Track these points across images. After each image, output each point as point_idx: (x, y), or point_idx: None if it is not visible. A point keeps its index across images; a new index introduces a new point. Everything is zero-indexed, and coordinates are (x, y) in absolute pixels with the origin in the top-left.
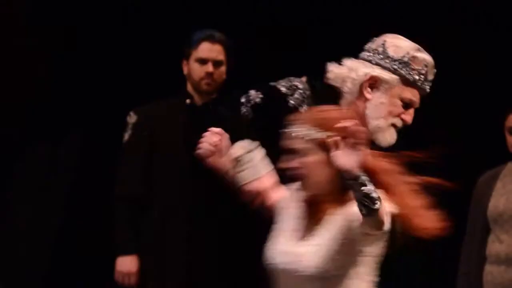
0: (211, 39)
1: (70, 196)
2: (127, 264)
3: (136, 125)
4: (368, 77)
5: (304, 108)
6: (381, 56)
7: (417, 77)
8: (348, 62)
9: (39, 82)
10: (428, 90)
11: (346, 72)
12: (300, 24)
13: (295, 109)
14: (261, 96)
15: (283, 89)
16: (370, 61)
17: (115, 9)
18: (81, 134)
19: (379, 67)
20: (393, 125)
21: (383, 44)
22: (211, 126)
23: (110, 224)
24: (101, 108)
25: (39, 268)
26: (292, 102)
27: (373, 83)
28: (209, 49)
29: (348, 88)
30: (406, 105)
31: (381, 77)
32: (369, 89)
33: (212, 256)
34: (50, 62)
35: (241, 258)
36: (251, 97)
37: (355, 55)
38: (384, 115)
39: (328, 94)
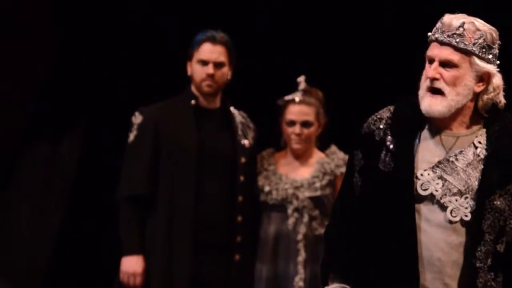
0: (212, 40)
1: (72, 196)
2: (132, 264)
3: (142, 125)
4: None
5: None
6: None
7: (430, 33)
8: None
9: (41, 82)
10: (443, 38)
11: None
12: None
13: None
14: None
15: (368, 129)
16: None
17: (119, 7)
18: (84, 134)
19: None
20: (426, 89)
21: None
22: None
23: (112, 225)
24: (105, 108)
25: (40, 268)
26: (378, 136)
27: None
28: (210, 51)
29: None
30: (430, 62)
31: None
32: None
33: (220, 256)
34: (53, 61)
35: (246, 258)
36: None
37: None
38: (422, 83)
39: (415, 106)
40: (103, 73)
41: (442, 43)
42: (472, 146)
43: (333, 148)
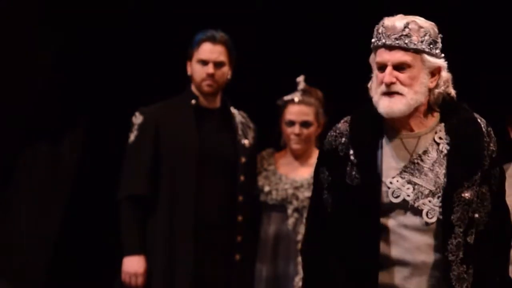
0: (212, 40)
1: (72, 196)
2: (134, 264)
3: (142, 125)
4: None
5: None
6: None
7: (374, 39)
8: None
9: (41, 82)
10: (385, 41)
11: None
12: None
13: (345, 156)
14: None
15: (331, 146)
16: None
17: (119, 7)
18: (84, 134)
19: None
20: (382, 94)
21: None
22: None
23: (113, 225)
24: (105, 108)
25: (41, 268)
26: (341, 151)
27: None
28: (210, 50)
29: None
30: (381, 68)
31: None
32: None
33: (220, 256)
34: (53, 61)
35: (247, 258)
36: None
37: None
38: (374, 89)
39: (371, 114)
40: (103, 73)
41: (391, 47)
42: (434, 143)
43: None
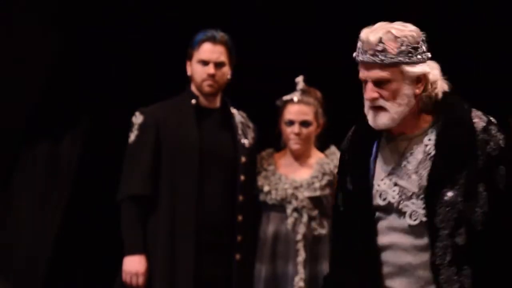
0: (213, 40)
1: (72, 196)
2: (135, 264)
3: (142, 125)
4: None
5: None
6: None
7: (354, 54)
8: None
9: (41, 82)
10: (367, 59)
11: None
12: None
13: (346, 161)
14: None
15: (342, 150)
16: None
17: (119, 7)
18: (84, 134)
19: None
20: (369, 107)
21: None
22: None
23: (113, 225)
24: (105, 108)
25: (41, 268)
26: (345, 156)
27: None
28: (210, 51)
29: None
30: (365, 82)
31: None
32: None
33: (220, 256)
34: (53, 61)
35: (247, 258)
36: None
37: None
38: (365, 101)
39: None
40: (103, 73)
41: (367, 64)
42: (422, 145)
43: (333, 148)
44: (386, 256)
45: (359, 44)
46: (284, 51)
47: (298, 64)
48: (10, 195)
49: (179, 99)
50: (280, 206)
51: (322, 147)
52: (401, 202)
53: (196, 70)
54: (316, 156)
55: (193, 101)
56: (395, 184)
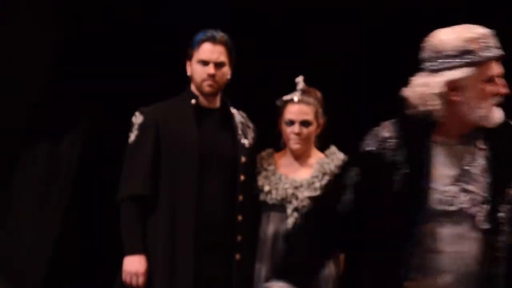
0: (213, 40)
1: (72, 196)
2: (135, 264)
3: (142, 125)
4: (445, 84)
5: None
6: (441, 60)
7: (482, 54)
8: (417, 81)
9: (41, 82)
10: (499, 53)
11: (421, 91)
12: (301, 24)
13: (392, 163)
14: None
15: (374, 149)
16: (435, 70)
17: (119, 7)
18: (84, 134)
19: (446, 70)
20: (493, 104)
21: (431, 48)
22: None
23: (113, 225)
24: (105, 108)
25: (41, 268)
26: (388, 158)
27: (453, 86)
28: (210, 51)
29: (432, 105)
30: (491, 80)
31: (456, 77)
32: (453, 93)
33: (220, 256)
34: (53, 61)
35: (247, 258)
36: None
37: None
38: (482, 103)
39: (418, 122)
40: (103, 73)
41: (499, 59)
42: (479, 149)
43: (333, 148)
44: (441, 261)
45: (482, 43)
46: (284, 51)
47: (298, 64)
48: (10, 195)
49: (179, 99)
50: (280, 206)
51: (322, 147)
52: (473, 207)
53: (196, 70)
54: (316, 156)
55: (193, 101)
56: (463, 190)
